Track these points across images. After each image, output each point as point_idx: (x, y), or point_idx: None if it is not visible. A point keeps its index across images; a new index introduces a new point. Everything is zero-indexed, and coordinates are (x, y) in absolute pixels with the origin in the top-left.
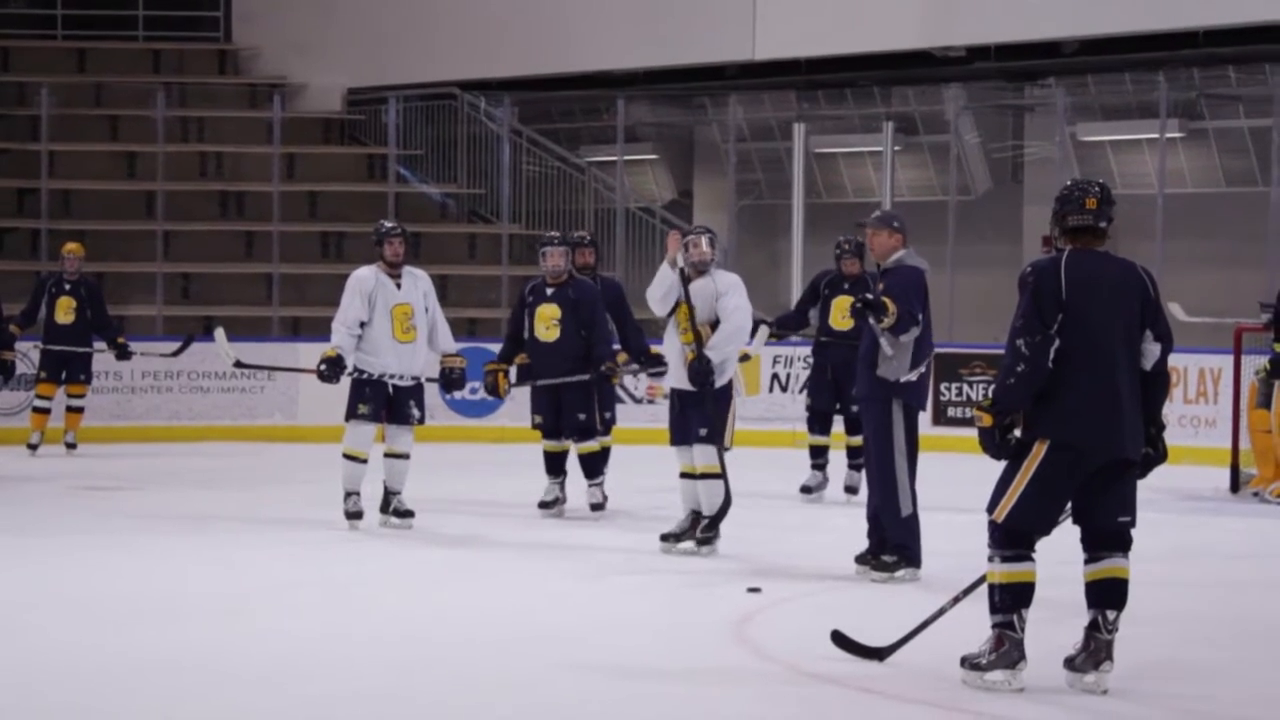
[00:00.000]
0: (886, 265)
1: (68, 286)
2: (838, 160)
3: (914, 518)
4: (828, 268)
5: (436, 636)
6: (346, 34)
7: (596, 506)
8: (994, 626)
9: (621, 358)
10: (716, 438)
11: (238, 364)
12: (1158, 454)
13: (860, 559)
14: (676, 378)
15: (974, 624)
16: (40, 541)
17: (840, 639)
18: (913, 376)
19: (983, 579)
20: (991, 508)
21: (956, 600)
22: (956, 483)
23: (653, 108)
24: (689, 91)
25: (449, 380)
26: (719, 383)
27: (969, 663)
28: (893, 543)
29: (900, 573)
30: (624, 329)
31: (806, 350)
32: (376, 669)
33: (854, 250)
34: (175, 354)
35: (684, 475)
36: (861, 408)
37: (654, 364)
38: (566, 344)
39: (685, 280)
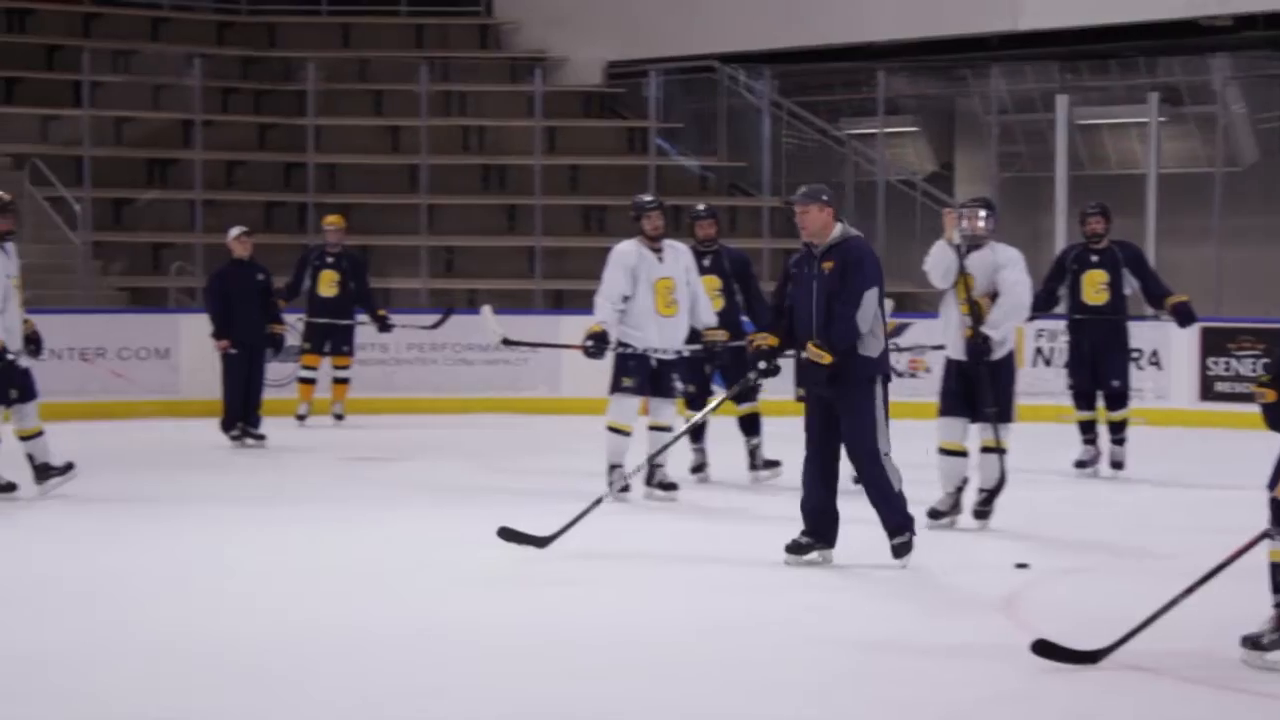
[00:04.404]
0: (831, 242)
1: (330, 260)
2: (1101, 132)
3: (903, 494)
4: (1073, 243)
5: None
6: (606, 7)
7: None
8: (1276, 605)
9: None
10: (1005, 415)
11: (505, 341)
12: None
13: (795, 549)
14: (955, 349)
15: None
16: (313, 510)
17: (1045, 648)
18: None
19: (1219, 568)
20: (1273, 485)
21: (1190, 591)
22: (1223, 459)
23: (913, 79)
24: (950, 63)
25: (710, 354)
26: (998, 354)
27: (1250, 642)
28: (893, 522)
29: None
30: (751, 301)
31: None
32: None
33: (1098, 210)
34: (434, 326)
35: (947, 452)
36: (841, 392)
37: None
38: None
39: (963, 253)
